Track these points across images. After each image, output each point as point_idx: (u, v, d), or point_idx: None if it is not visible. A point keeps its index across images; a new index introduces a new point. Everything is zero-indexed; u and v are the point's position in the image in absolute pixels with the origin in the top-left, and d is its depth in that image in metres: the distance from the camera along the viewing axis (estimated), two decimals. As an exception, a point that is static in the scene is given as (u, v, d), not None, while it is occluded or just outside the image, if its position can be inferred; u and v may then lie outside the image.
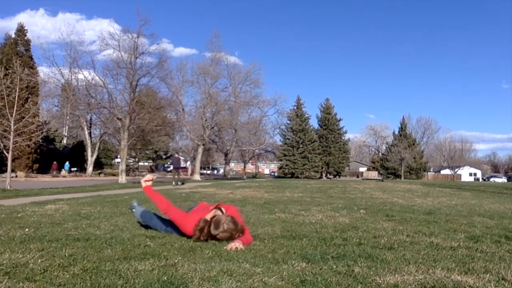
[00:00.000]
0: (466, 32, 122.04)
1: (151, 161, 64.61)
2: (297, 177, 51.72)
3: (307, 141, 55.35)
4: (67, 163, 39.26)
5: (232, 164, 71.35)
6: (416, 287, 2.16)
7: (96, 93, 24.71)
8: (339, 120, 60.25)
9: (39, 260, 2.53)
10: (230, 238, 3.19)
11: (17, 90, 13.33)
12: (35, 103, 21.43)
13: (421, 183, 31.17)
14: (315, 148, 55.94)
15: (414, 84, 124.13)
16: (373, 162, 75.72)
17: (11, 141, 12.81)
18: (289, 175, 54.07)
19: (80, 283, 2.09)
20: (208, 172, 72.58)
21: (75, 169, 40.07)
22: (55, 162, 37.34)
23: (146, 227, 3.93)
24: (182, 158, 39.06)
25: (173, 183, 18.74)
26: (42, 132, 16.57)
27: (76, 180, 26.47)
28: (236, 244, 3.06)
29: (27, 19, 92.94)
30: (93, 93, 24.29)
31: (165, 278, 2.20)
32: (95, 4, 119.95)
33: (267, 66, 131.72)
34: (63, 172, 37.36)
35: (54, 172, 36.01)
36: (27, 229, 3.80)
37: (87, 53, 34.79)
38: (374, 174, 71.55)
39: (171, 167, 23.92)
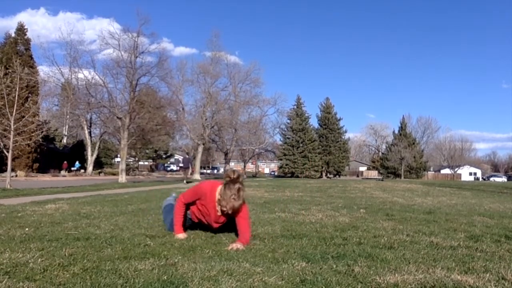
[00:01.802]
0: (466, 32, 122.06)
1: (151, 160, 64.60)
2: (297, 177, 51.71)
3: (307, 140, 55.34)
4: (77, 162, 40.05)
5: (232, 164, 71.25)
6: (416, 286, 2.16)
7: (96, 92, 24.72)
8: (339, 120, 60.25)
9: (39, 260, 2.53)
10: (233, 208, 3.29)
11: (17, 89, 13.34)
12: (35, 103, 21.43)
13: (421, 183, 31.17)
14: (315, 147, 55.94)
15: (414, 84, 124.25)
16: (373, 162, 75.73)
17: (11, 140, 12.81)
18: (289, 175, 54.07)
19: (80, 283, 2.09)
20: (208, 171, 72.57)
21: (75, 168, 40.15)
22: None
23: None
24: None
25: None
26: (42, 132, 16.59)
27: (76, 180, 26.48)
28: (238, 245, 3.08)
29: (27, 18, 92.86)
30: (93, 92, 24.31)
31: (165, 277, 2.20)
32: (96, 3, 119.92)
33: (267, 66, 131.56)
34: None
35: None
36: (27, 229, 3.80)
37: (87, 52, 34.79)
38: (374, 174, 71.55)
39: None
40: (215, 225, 3.59)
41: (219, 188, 3.46)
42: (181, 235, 3.48)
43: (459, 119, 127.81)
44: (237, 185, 3.32)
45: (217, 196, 3.45)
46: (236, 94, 36.72)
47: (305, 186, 16.83)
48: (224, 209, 3.33)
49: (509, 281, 2.26)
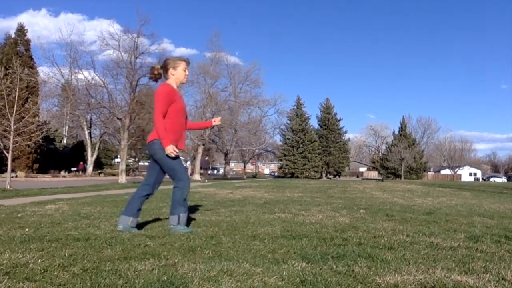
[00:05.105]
0: (466, 32, 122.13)
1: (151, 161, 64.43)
2: (297, 177, 51.73)
3: (307, 141, 55.36)
4: (88, 163, 40.79)
5: (232, 164, 71.36)
6: (416, 287, 2.16)
7: (96, 93, 24.74)
8: (339, 120, 60.31)
9: (39, 260, 2.53)
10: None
11: (17, 90, 13.34)
12: (35, 103, 21.43)
13: (421, 183, 31.17)
14: (315, 148, 55.95)
15: (414, 84, 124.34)
16: (373, 162, 75.73)
17: (11, 141, 12.81)
18: (289, 175, 54.09)
19: (80, 283, 2.09)
20: (209, 172, 72.55)
21: (75, 169, 40.16)
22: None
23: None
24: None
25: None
26: (42, 132, 16.58)
27: (76, 180, 26.49)
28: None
29: (29, 19, 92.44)
30: (93, 93, 24.32)
31: (165, 278, 2.20)
32: (97, 5, 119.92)
33: (267, 66, 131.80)
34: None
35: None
36: (27, 229, 3.80)
37: (87, 53, 34.81)
38: (374, 174, 71.58)
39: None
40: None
41: (168, 83, 3.89)
42: (172, 146, 3.66)
43: (459, 119, 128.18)
44: (168, 67, 3.90)
45: (174, 83, 3.91)
46: (236, 95, 36.77)
47: (305, 187, 16.83)
48: (184, 80, 3.98)
49: (509, 281, 2.26)
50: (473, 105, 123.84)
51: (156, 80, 4.04)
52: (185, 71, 3.95)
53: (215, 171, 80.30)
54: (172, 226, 3.79)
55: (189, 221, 4.01)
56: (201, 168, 34.29)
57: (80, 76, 26.12)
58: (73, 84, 27.65)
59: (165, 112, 3.73)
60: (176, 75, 3.90)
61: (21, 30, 34.74)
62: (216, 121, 4.28)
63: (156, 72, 3.98)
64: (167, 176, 3.99)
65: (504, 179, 71.87)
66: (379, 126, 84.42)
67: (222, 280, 2.17)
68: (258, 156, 61.24)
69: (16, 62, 15.60)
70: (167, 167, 3.84)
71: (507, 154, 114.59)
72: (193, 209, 5.86)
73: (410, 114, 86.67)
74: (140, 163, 61.05)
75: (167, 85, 3.85)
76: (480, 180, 73.41)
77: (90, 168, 39.22)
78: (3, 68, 14.31)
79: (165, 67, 3.93)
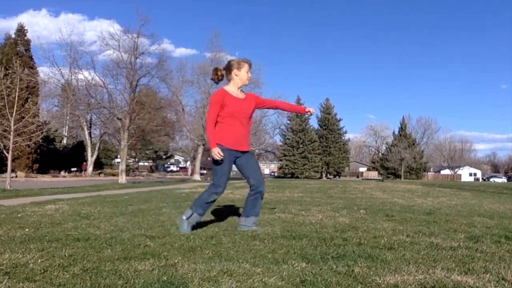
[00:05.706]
0: (466, 32, 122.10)
1: (151, 161, 64.57)
2: (297, 177, 51.72)
3: (307, 141, 55.36)
4: (88, 164, 41.52)
5: (232, 164, 71.10)
6: (416, 287, 2.16)
7: (96, 93, 24.75)
8: (339, 120, 60.31)
9: (39, 260, 2.53)
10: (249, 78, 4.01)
11: (17, 90, 13.36)
12: (35, 103, 21.43)
13: (421, 183, 31.18)
14: (315, 148, 55.95)
15: (414, 84, 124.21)
16: (373, 162, 75.72)
17: (11, 141, 12.82)
18: (289, 175, 54.08)
19: (80, 283, 2.09)
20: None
21: (75, 169, 40.18)
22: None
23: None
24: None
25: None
26: (42, 132, 16.61)
27: (76, 180, 26.49)
28: (309, 109, 4.30)
29: (29, 19, 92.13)
30: (93, 93, 24.34)
31: (165, 278, 2.20)
32: (98, 5, 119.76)
33: (267, 66, 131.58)
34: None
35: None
36: (27, 229, 3.80)
37: (87, 53, 34.94)
38: (374, 174, 71.58)
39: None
40: (249, 112, 4.01)
41: (223, 88, 3.94)
42: (217, 149, 3.73)
43: (459, 119, 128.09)
44: (233, 67, 3.91)
45: (235, 84, 3.94)
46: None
47: (305, 187, 16.83)
48: (247, 81, 3.96)
49: (509, 281, 2.26)
50: (473, 105, 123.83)
51: (217, 82, 4.09)
52: (248, 73, 3.98)
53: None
54: (183, 218, 3.84)
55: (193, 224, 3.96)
56: (204, 168, 34.28)
57: (80, 76, 26.15)
58: (73, 84, 27.66)
59: (215, 116, 3.83)
60: (240, 76, 3.94)
61: (21, 30, 34.76)
62: (311, 111, 4.35)
63: (219, 73, 4.04)
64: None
65: (504, 179, 71.85)
66: (379, 126, 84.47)
67: (222, 280, 2.17)
68: (258, 156, 61.19)
69: (16, 62, 15.63)
70: (212, 168, 4.03)
71: (507, 154, 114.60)
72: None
73: (410, 114, 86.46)
74: (140, 163, 61.09)
75: (220, 91, 3.92)
76: (480, 180, 73.39)
77: (90, 168, 39.26)
78: (3, 68, 14.32)
79: (228, 68, 3.98)
